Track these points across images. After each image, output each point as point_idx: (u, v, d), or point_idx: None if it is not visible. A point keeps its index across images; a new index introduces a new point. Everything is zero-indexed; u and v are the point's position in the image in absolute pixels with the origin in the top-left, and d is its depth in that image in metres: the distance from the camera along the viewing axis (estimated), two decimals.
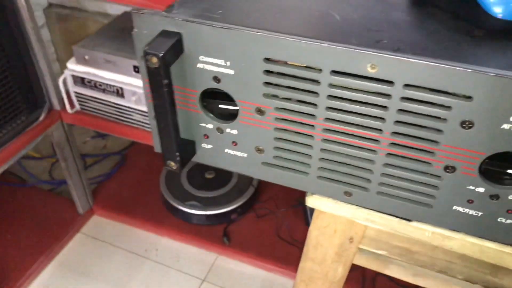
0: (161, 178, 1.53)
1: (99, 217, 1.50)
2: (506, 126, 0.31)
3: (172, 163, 0.41)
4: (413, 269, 0.85)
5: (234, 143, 0.41)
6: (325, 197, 0.42)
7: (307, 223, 1.45)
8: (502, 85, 0.29)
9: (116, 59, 1.08)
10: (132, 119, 1.17)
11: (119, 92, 1.12)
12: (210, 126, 0.41)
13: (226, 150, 0.42)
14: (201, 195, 1.49)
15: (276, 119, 0.38)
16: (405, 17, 0.37)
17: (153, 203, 1.52)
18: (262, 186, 1.57)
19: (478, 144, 0.33)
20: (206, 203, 1.45)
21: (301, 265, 0.50)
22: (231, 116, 0.40)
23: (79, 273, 1.35)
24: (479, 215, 0.36)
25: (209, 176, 1.55)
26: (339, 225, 0.45)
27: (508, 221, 0.36)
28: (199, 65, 0.37)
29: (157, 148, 0.44)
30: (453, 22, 0.36)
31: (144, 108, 1.12)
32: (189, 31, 0.36)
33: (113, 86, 1.12)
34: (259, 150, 0.41)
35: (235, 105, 0.39)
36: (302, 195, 1.45)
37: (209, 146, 0.43)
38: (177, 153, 0.40)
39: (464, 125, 0.32)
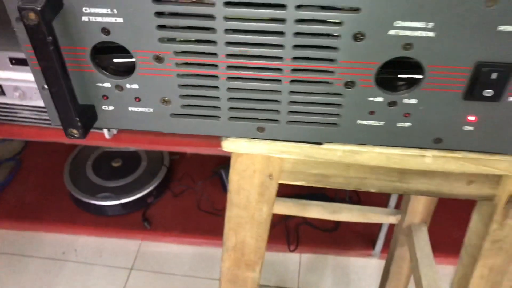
0: (65, 176, 1.44)
1: (2, 230, 1.38)
2: (392, 32, 0.33)
3: (74, 130, 0.38)
4: (330, 207, 0.90)
5: (137, 99, 0.39)
6: (240, 138, 0.42)
7: (226, 190, 1.46)
8: None
9: None
10: (20, 117, 1.08)
11: None
12: (107, 85, 0.39)
13: (129, 109, 0.40)
14: (111, 185, 1.42)
15: (177, 64, 0.37)
16: None
17: (61, 203, 1.42)
18: (175, 164, 1.55)
19: (371, 54, 0.35)
20: (118, 192, 1.40)
21: (227, 214, 0.50)
22: (128, 70, 0.38)
23: None
24: (382, 124, 0.39)
25: (116, 164, 1.49)
26: (257, 165, 0.46)
27: (407, 124, 0.39)
28: (84, 18, 0.35)
29: (54, 120, 0.41)
30: None
31: (32, 103, 1.03)
32: None
33: None
34: (165, 102, 0.40)
35: (131, 57, 0.37)
36: (216, 165, 1.46)
37: (111, 108, 0.40)
38: (77, 118, 0.37)
39: (356, 38, 0.34)
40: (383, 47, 0.34)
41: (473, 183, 0.45)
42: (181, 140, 1.08)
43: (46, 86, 0.39)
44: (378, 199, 1.35)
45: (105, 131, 1.06)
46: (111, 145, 1.09)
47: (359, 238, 1.37)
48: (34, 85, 1.01)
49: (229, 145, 0.43)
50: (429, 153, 0.41)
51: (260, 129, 0.41)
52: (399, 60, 0.35)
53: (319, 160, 0.43)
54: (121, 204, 1.40)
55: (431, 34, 0.33)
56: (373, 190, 0.47)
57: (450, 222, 1.33)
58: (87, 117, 0.40)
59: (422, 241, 0.82)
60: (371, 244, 1.34)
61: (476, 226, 0.50)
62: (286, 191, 1.13)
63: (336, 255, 1.36)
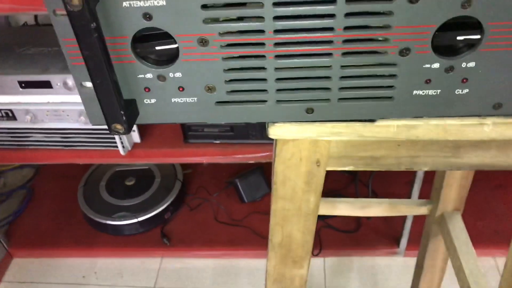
0: (79, 198, 1.41)
1: (20, 259, 1.35)
2: None
3: (119, 126, 0.36)
4: (357, 203, 0.88)
5: (181, 89, 0.38)
6: (287, 122, 0.40)
7: (242, 200, 1.44)
8: None
9: None
10: (32, 141, 1.06)
11: (9, 115, 1.00)
12: (149, 75, 0.37)
13: (173, 100, 0.38)
14: (127, 203, 1.40)
15: (222, 46, 0.35)
16: None
17: (78, 227, 1.40)
18: (189, 177, 1.53)
19: (427, 17, 0.33)
20: (135, 210, 1.38)
21: (272, 207, 0.48)
22: (171, 58, 0.36)
23: None
24: (438, 93, 0.37)
25: (129, 183, 1.46)
26: (304, 152, 0.44)
27: (465, 90, 0.37)
28: (125, 4, 0.33)
29: (94, 119, 0.39)
30: None
31: (44, 125, 1.02)
32: None
33: (0, 110, 0.99)
34: (210, 89, 0.38)
35: (173, 43, 0.35)
36: (230, 176, 1.44)
37: (153, 101, 0.39)
38: (122, 112, 0.35)
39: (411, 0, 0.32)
40: (441, 7, 0.33)
41: None
42: (197, 151, 1.06)
43: (84, 84, 0.37)
44: (398, 194, 1.33)
45: (119, 147, 1.05)
46: (126, 161, 1.07)
47: (382, 236, 1.34)
48: (45, 107, 1.00)
49: (276, 131, 0.41)
50: (489, 120, 0.39)
51: (310, 110, 0.39)
52: (456, 22, 0.34)
53: (371, 139, 0.41)
54: (138, 222, 1.37)
55: None
56: (425, 169, 0.45)
57: (482, 210, 1.31)
58: (129, 112, 0.38)
59: (458, 228, 0.80)
60: (395, 241, 1.31)
61: None
62: None
63: (360, 256, 1.33)
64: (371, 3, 0.33)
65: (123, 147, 1.05)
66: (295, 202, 0.48)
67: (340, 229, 1.35)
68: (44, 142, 1.06)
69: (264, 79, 0.37)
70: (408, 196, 1.16)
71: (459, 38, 0.34)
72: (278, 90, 0.38)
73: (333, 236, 1.34)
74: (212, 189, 1.50)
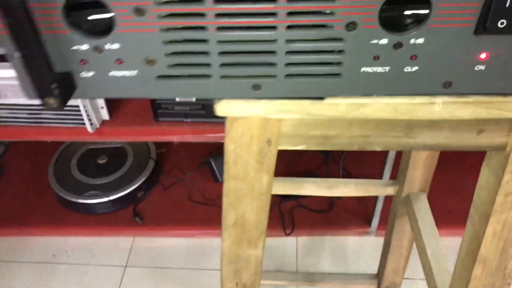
0: (50, 177, 1.39)
1: None
2: None
3: (51, 100, 0.34)
4: (325, 183, 0.87)
5: (119, 61, 0.36)
6: (234, 100, 0.39)
7: (216, 179, 1.43)
8: None
9: None
10: None
11: None
12: (85, 47, 0.35)
13: (111, 73, 0.37)
14: (99, 182, 1.38)
15: (160, 17, 0.33)
16: None
17: (49, 205, 1.38)
18: (163, 156, 1.51)
19: None
20: (107, 189, 1.36)
21: (225, 186, 0.47)
22: (107, 29, 0.34)
23: None
24: (387, 70, 0.36)
25: (102, 161, 1.44)
26: (254, 130, 0.42)
27: (414, 68, 0.36)
28: None
29: (28, 92, 0.37)
30: None
31: (9, 101, 0.99)
32: None
33: None
34: (150, 62, 0.36)
35: (109, 12, 0.33)
36: (204, 155, 1.43)
37: (90, 74, 0.37)
38: (54, 84, 0.33)
39: None
40: None
41: (484, 132, 0.42)
42: (167, 129, 1.04)
43: (15, 54, 0.35)
44: (371, 174, 1.33)
45: (87, 124, 1.02)
46: (94, 139, 1.04)
47: (354, 216, 1.35)
48: (9, 82, 0.97)
49: (222, 108, 0.39)
50: (439, 99, 0.38)
51: (256, 87, 0.38)
52: None
53: (320, 118, 0.40)
54: (110, 201, 1.36)
55: None
56: (378, 149, 0.44)
57: (447, 191, 1.32)
58: (64, 85, 0.36)
59: (423, 209, 0.80)
60: (367, 221, 1.33)
61: (486, 181, 0.48)
62: (279, 173, 1.11)
63: (332, 236, 1.34)
64: None
65: (91, 124, 1.03)
66: (248, 182, 0.47)
67: (312, 208, 1.36)
68: (10, 118, 1.03)
69: (207, 52, 0.35)
70: (381, 176, 1.16)
71: (406, 12, 0.33)
72: (222, 64, 0.36)
73: (306, 215, 1.35)
74: (186, 168, 1.49)
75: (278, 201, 1.35)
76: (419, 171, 0.79)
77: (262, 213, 0.49)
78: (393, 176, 1.03)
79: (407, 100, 0.38)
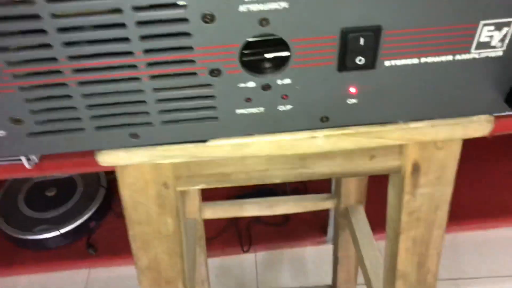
0: None
1: None
2: (243, 7, 0.30)
3: None
4: (265, 202, 0.87)
5: None
6: (114, 150, 0.38)
7: None
8: None
9: None
10: None
11: None
12: None
13: None
14: (48, 216, 1.34)
15: (16, 76, 0.32)
16: None
17: None
18: (113, 183, 1.48)
19: (228, 36, 0.31)
20: (57, 222, 1.32)
21: (130, 233, 0.46)
22: None
23: None
24: (262, 110, 0.36)
25: (50, 193, 1.40)
26: (147, 175, 0.42)
27: (288, 106, 0.36)
28: None
29: None
30: None
31: None
32: None
33: None
34: (17, 121, 0.35)
35: None
36: None
37: None
38: None
39: (206, 20, 0.30)
40: (238, 26, 0.31)
41: (375, 158, 0.43)
42: None
43: None
44: (323, 186, 1.34)
45: (24, 161, 0.99)
46: (35, 175, 1.01)
47: (310, 227, 1.35)
48: None
49: (105, 159, 0.38)
50: (319, 133, 0.38)
51: (134, 136, 0.37)
52: (263, 39, 0.32)
53: (208, 159, 0.39)
54: (61, 234, 1.32)
55: (284, 4, 0.30)
56: (277, 181, 0.44)
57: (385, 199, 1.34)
58: None
59: (360, 221, 0.81)
60: (323, 231, 1.33)
61: (392, 200, 0.48)
62: (230, 193, 1.10)
63: (290, 248, 1.34)
64: (165, 25, 0.31)
65: (28, 160, 0.99)
66: (153, 225, 0.45)
67: (269, 222, 1.35)
68: None
69: (73, 107, 0.34)
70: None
71: (267, 56, 0.33)
72: (92, 116, 0.35)
73: (262, 230, 1.34)
74: None
75: (233, 218, 1.34)
76: (352, 184, 0.80)
77: (176, 254, 0.48)
78: None
79: (289, 136, 0.38)
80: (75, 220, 1.33)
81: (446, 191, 0.45)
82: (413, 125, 0.38)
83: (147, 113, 0.35)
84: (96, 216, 1.37)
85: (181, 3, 0.30)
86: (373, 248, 0.78)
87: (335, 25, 0.32)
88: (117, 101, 0.34)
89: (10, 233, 1.30)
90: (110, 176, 1.46)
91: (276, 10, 0.30)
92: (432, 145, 0.41)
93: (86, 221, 1.35)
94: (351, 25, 0.32)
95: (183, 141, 0.38)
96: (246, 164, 0.42)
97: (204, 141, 0.38)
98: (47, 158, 1.02)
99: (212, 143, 0.38)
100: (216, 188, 0.44)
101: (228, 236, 1.34)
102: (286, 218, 1.37)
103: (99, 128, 0.36)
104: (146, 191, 0.43)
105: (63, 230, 1.32)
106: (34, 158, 1.00)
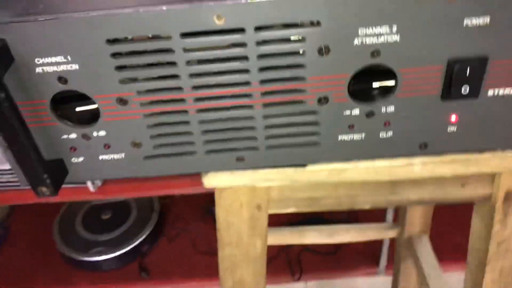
0: (55, 235, 1.39)
1: None
2: (357, 40, 0.32)
3: (44, 188, 0.36)
4: (326, 230, 0.88)
5: (107, 146, 0.38)
6: (220, 172, 0.40)
7: None
8: (341, 3, 0.30)
9: None
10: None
11: None
12: (73, 135, 0.37)
13: (100, 157, 0.38)
14: (104, 238, 1.38)
15: (142, 104, 0.35)
16: None
17: (55, 264, 1.37)
18: (165, 207, 1.51)
19: (340, 67, 0.34)
20: (112, 245, 1.36)
21: (220, 254, 0.48)
22: (94, 117, 0.36)
23: None
24: (363, 137, 0.38)
25: (106, 216, 1.45)
26: (243, 197, 0.44)
27: (389, 133, 0.37)
28: (38, 70, 0.33)
29: (23, 181, 0.39)
30: None
31: (7, 166, 1.00)
32: (13, 34, 0.32)
33: None
34: (136, 145, 0.38)
35: (94, 103, 0.35)
36: (207, 203, 1.43)
37: (81, 159, 0.38)
38: (45, 174, 0.35)
39: (321, 52, 0.33)
40: (351, 58, 0.33)
41: (467, 185, 0.43)
42: (167, 183, 1.05)
43: (5, 149, 0.37)
44: (375, 215, 1.33)
45: (89, 184, 1.04)
46: (97, 198, 1.05)
47: (362, 257, 1.33)
48: None
49: (210, 181, 0.41)
50: (417, 160, 0.39)
51: (240, 159, 0.39)
52: (371, 69, 0.34)
53: (305, 183, 0.41)
54: (115, 257, 1.35)
55: (396, 37, 0.32)
56: (367, 207, 0.45)
57: (451, 227, 1.31)
58: (56, 172, 0.37)
59: (425, 251, 0.80)
60: (375, 261, 1.31)
61: (478, 230, 0.48)
62: (283, 220, 1.11)
63: (341, 278, 1.32)
64: (282, 58, 0.33)
65: (93, 183, 1.04)
66: (242, 248, 0.47)
67: (319, 251, 1.35)
68: (10, 183, 1.05)
69: (190, 132, 0.37)
70: (384, 217, 1.16)
71: (374, 85, 0.35)
72: (205, 141, 0.38)
73: (313, 259, 1.33)
74: (190, 217, 1.49)
75: (284, 247, 1.34)
76: (418, 213, 0.80)
77: (259, 276, 0.50)
78: (396, 218, 1.03)
79: (387, 162, 0.39)
80: (129, 244, 1.37)
81: None
82: (511, 154, 0.39)
83: (255, 138, 0.38)
84: (149, 240, 1.40)
85: (299, 37, 0.32)
86: (441, 280, 0.76)
87: (442, 55, 0.33)
88: (230, 127, 0.37)
89: (67, 254, 1.35)
90: (163, 201, 1.50)
91: (387, 43, 0.32)
92: None
93: (139, 244, 1.38)
94: (458, 56, 0.33)
95: (284, 165, 0.40)
96: (337, 189, 0.44)
97: (303, 165, 0.40)
98: (109, 181, 1.06)
99: (311, 168, 0.40)
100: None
101: (278, 263, 1.34)
102: (337, 247, 1.36)
103: (209, 152, 0.38)
104: (240, 213, 0.45)
105: (117, 253, 1.35)
106: (98, 181, 1.05)
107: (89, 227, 1.41)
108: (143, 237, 1.38)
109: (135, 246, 1.37)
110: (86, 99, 0.35)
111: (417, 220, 0.81)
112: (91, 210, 1.47)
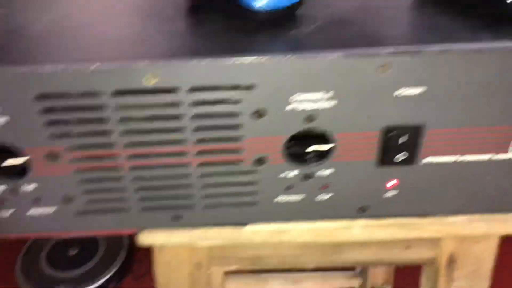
0: (17, 272, 1.34)
1: None
2: (292, 105, 0.32)
3: None
4: (291, 277, 0.86)
5: (37, 200, 0.36)
6: (156, 230, 0.39)
7: None
8: (278, 68, 0.30)
9: None
10: None
11: None
12: (1, 188, 0.35)
13: (29, 212, 0.37)
14: (69, 275, 1.33)
15: (74, 159, 0.34)
16: (178, 26, 0.36)
17: None
18: (135, 245, 1.47)
19: (275, 130, 0.33)
20: (77, 283, 1.31)
21: None
22: (24, 170, 0.35)
23: None
24: (301, 198, 0.37)
25: (73, 252, 1.40)
26: (182, 255, 0.42)
27: (327, 195, 0.37)
28: None
29: None
30: (225, 22, 0.36)
31: None
32: None
33: None
34: (68, 200, 0.36)
35: (22, 156, 0.34)
36: None
37: (10, 212, 0.37)
38: None
39: (256, 115, 0.32)
40: (286, 121, 0.33)
41: (412, 248, 0.43)
42: None
43: None
44: None
45: None
46: (62, 236, 1.02)
47: None
48: None
49: (146, 239, 0.39)
50: (356, 223, 0.38)
51: (176, 218, 0.38)
52: (309, 132, 0.34)
53: (247, 242, 0.40)
54: None
55: (332, 103, 0.32)
56: (311, 266, 0.44)
57: (416, 278, 1.29)
58: None
59: None
60: None
61: None
62: None
63: None
64: (217, 119, 0.33)
65: None
66: None
67: None
68: None
69: (123, 189, 0.36)
70: None
71: (310, 149, 0.34)
72: (140, 198, 0.37)
73: None
74: None
75: None
76: (379, 265, 0.79)
77: None
78: None
79: (326, 224, 0.39)
80: (94, 281, 1.32)
81: (482, 286, 0.44)
82: (451, 219, 0.38)
83: (191, 196, 0.37)
84: (115, 278, 1.35)
85: (235, 99, 0.32)
86: None
87: (378, 123, 0.33)
88: (164, 185, 0.36)
89: None
90: (132, 237, 1.46)
91: (323, 108, 0.32)
92: (469, 239, 0.41)
93: (105, 282, 1.33)
94: (393, 124, 0.33)
95: (223, 224, 0.39)
96: (280, 249, 0.43)
97: (243, 224, 0.39)
98: None
99: (249, 228, 0.39)
100: None
101: None
102: None
103: (144, 209, 0.37)
104: (180, 270, 0.43)
105: None
106: None
107: (54, 263, 1.37)
108: (109, 275, 1.34)
109: (101, 284, 1.32)
110: (14, 152, 0.34)
111: (378, 271, 0.79)
112: (58, 246, 1.42)
